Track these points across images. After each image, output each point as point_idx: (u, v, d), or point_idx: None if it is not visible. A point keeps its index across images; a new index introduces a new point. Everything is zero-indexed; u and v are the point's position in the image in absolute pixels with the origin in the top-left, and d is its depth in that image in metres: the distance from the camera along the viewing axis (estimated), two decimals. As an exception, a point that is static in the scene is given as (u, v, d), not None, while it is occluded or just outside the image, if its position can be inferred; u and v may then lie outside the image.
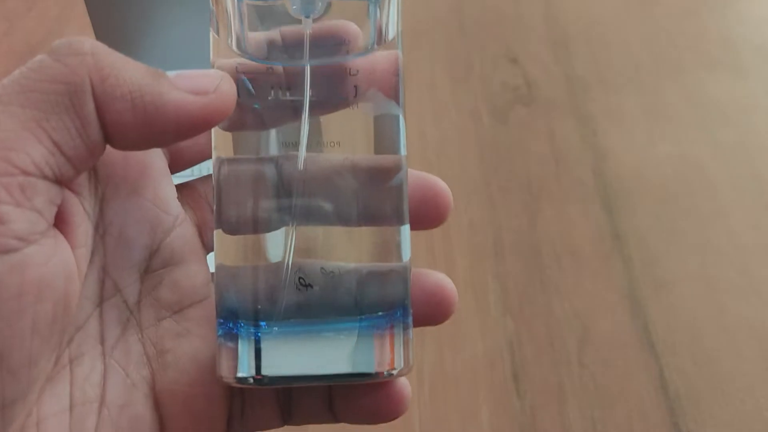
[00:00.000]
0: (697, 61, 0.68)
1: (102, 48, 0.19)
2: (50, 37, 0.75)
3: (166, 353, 0.22)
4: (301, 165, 0.22)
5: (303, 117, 0.22)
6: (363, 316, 0.22)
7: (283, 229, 0.22)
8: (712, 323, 0.44)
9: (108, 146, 0.20)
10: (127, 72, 0.19)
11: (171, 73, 0.20)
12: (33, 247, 0.18)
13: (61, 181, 0.19)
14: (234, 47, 0.22)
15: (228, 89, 0.21)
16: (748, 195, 0.54)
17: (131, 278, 0.22)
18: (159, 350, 0.22)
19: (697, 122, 0.61)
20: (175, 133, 0.20)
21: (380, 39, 0.23)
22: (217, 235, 0.23)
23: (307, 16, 0.22)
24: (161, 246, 0.22)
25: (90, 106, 0.19)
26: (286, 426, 0.25)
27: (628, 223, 0.51)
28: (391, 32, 0.23)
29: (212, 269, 0.24)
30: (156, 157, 0.23)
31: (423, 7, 0.78)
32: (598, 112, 0.62)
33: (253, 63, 0.22)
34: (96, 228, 0.21)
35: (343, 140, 0.23)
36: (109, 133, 0.19)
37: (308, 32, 0.22)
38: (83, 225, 0.21)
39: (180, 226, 0.23)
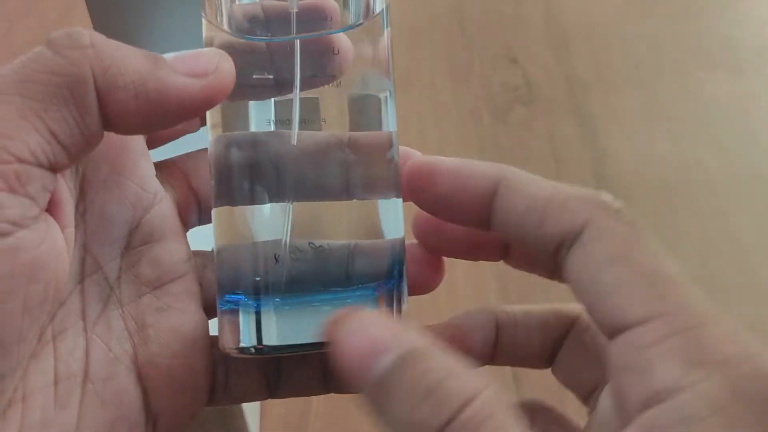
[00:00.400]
0: (697, 61, 0.68)
1: (101, 39, 0.19)
2: (50, 37, 0.75)
3: (147, 328, 0.22)
4: (294, 140, 0.22)
5: (294, 93, 0.22)
6: (356, 287, 0.23)
7: (279, 205, 0.23)
8: (712, 323, 0.44)
9: None
10: (128, 60, 0.19)
11: (169, 55, 0.20)
12: (25, 232, 0.18)
13: (56, 169, 0.19)
14: (225, 26, 0.23)
15: (227, 68, 0.21)
16: (748, 195, 0.54)
17: (112, 255, 0.22)
18: (140, 325, 0.22)
19: (697, 122, 0.61)
20: (177, 116, 0.20)
21: (366, 13, 0.23)
22: (216, 213, 0.23)
23: None
24: (141, 223, 0.23)
25: (91, 98, 0.19)
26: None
27: (628, 223, 0.51)
28: (378, 6, 0.23)
29: (201, 248, 0.24)
30: (134, 135, 0.23)
31: (423, 7, 0.78)
32: (598, 112, 0.62)
33: (242, 40, 0.23)
34: (77, 206, 0.22)
35: (328, 117, 0.23)
36: (110, 122, 0.20)
37: (295, 10, 0.22)
38: (69, 205, 0.21)
39: (159, 203, 0.23)
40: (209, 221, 0.24)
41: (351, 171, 0.23)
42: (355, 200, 0.23)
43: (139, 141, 0.23)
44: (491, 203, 0.22)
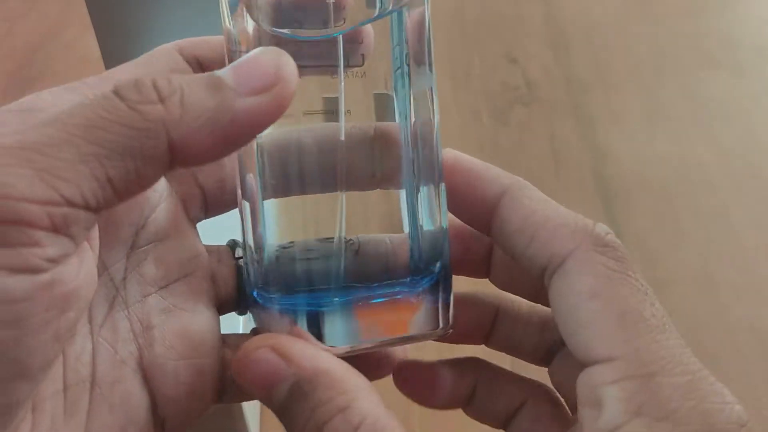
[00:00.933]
0: (697, 61, 0.68)
1: (165, 86, 0.19)
2: (50, 37, 0.75)
3: (152, 329, 0.22)
4: (342, 135, 0.22)
5: (340, 87, 0.22)
6: (410, 278, 0.23)
7: (329, 199, 0.22)
8: (712, 323, 0.44)
9: None
10: (197, 101, 0.19)
11: (225, 72, 0.19)
12: (62, 267, 0.18)
13: (102, 209, 0.19)
14: (263, 24, 0.22)
15: (289, 71, 0.19)
16: (748, 195, 0.54)
17: (118, 256, 0.22)
18: (145, 326, 0.22)
19: (697, 122, 0.61)
20: (250, 136, 0.20)
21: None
22: (268, 206, 0.23)
23: None
24: (147, 222, 0.22)
25: (161, 150, 0.18)
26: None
27: (628, 223, 0.51)
28: None
29: (212, 242, 0.24)
30: None
31: (423, 7, 0.78)
32: (598, 112, 0.62)
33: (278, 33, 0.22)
34: None
35: (352, 108, 0.23)
36: (181, 161, 0.19)
37: (332, 0, 0.21)
38: (96, 228, 0.21)
39: (165, 201, 0.23)
40: (216, 214, 0.24)
41: (387, 162, 0.23)
42: (389, 191, 0.23)
43: None
44: (494, 210, 0.22)
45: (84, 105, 0.18)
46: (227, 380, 0.23)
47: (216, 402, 0.23)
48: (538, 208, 0.21)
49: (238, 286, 0.24)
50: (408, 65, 0.23)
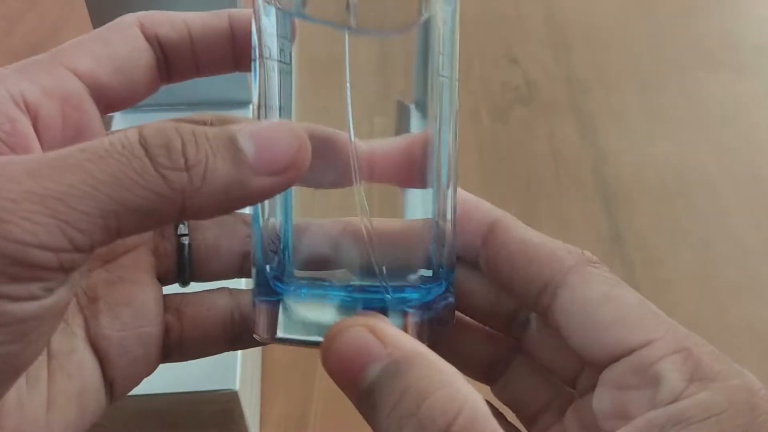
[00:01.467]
0: (697, 61, 0.68)
1: (195, 155, 0.19)
2: (50, 37, 0.75)
3: (98, 301, 0.23)
4: (352, 136, 0.22)
5: (347, 92, 0.22)
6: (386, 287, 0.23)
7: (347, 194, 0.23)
8: (712, 323, 0.44)
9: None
10: (217, 172, 0.19)
11: (245, 135, 0.20)
12: (61, 289, 0.19)
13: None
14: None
15: (305, 157, 0.20)
16: (749, 195, 0.54)
17: None
18: (90, 298, 0.23)
19: (697, 122, 0.61)
20: (255, 203, 0.22)
21: (421, 11, 0.22)
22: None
23: None
24: None
25: (175, 213, 0.19)
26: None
27: (628, 223, 0.51)
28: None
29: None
30: (94, 118, 0.23)
31: (423, 7, 0.78)
32: (598, 112, 0.62)
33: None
34: None
35: (376, 119, 0.23)
36: (185, 217, 0.20)
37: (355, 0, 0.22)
38: None
39: None
40: None
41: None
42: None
43: (98, 124, 0.24)
44: (484, 237, 0.24)
45: (112, 157, 0.18)
46: (173, 343, 0.24)
47: (163, 362, 0.24)
48: (533, 235, 0.23)
49: (179, 260, 0.25)
50: (444, 76, 0.23)
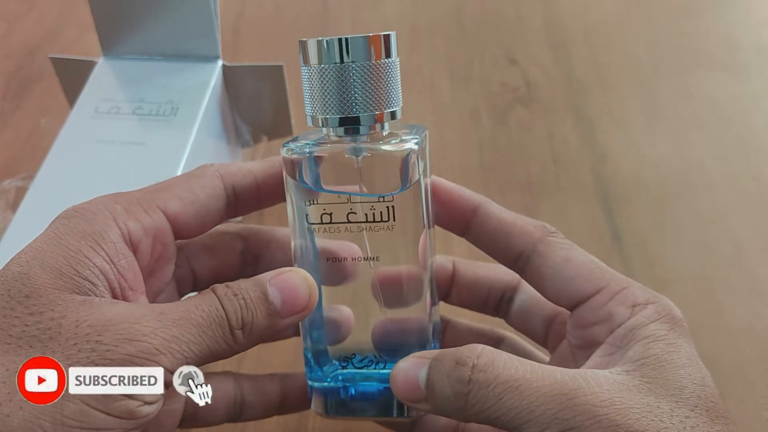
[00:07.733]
0: (697, 61, 0.68)
1: (247, 317, 0.26)
2: (50, 37, 0.75)
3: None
4: (368, 251, 0.29)
5: (364, 239, 0.29)
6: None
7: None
8: (712, 323, 0.44)
9: None
10: (257, 327, 0.26)
11: (273, 291, 0.27)
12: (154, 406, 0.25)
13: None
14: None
15: (315, 297, 0.28)
16: (748, 195, 0.54)
17: None
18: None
19: (697, 123, 0.61)
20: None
21: (410, 180, 0.28)
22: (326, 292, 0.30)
23: (357, 157, 0.28)
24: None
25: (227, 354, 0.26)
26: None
27: (627, 223, 0.51)
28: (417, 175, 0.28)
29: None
30: (171, 250, 0.30)
31: (423, 7, 0.78)
32: (597, 112, 0.62)
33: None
34: None
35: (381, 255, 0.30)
36: None
37: (360, 165, 0.28)
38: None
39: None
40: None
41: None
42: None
43: None
44: (470, 218, 0.31)
45: (203, 318, 0.25)
46: (187, 416, 0.32)
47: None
48: (507, 215, 0.31)
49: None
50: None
